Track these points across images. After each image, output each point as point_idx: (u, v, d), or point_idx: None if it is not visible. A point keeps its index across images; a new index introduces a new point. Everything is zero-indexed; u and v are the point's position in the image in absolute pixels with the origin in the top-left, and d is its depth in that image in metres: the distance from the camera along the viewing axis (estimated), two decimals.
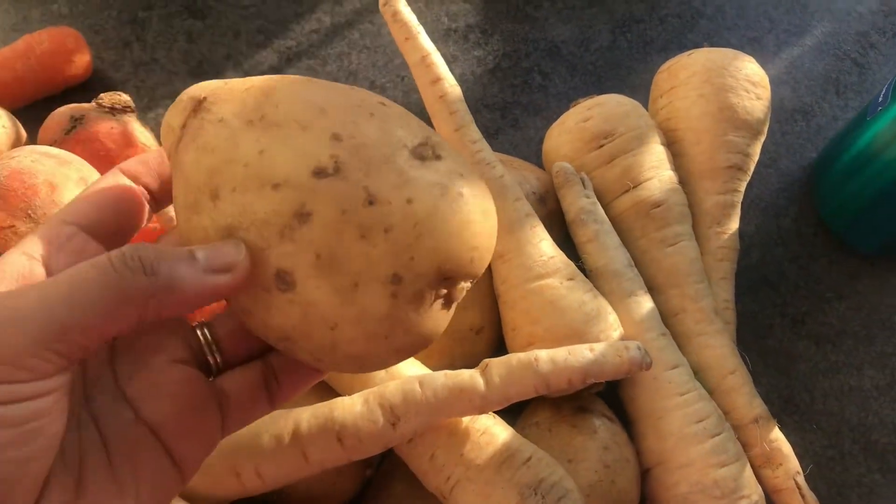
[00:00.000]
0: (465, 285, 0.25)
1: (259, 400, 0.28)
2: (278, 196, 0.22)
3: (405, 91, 0.67)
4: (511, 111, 0.67)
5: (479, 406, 0.40)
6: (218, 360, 0.27)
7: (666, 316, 0.51)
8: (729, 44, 0.70)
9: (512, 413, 0.46)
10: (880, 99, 0.56)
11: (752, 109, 0.55)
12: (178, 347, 0.26)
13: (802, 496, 0.48)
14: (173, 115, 0.26)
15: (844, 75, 0.70)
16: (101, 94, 0.56)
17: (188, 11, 0.70)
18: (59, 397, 0.21)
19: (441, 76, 0.50)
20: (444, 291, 0.24)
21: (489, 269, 0.51)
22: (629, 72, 0.69)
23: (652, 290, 0.52)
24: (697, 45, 0.58)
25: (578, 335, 0.45)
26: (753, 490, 0.45)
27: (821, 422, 0.56)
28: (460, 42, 0.70)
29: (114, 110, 0.56)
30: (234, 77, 0.65)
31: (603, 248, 0.50)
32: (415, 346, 0.25)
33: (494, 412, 0.43)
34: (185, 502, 0.41)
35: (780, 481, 0.48)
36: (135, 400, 0.25)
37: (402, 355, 0.25)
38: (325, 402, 0.41)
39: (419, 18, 0.50)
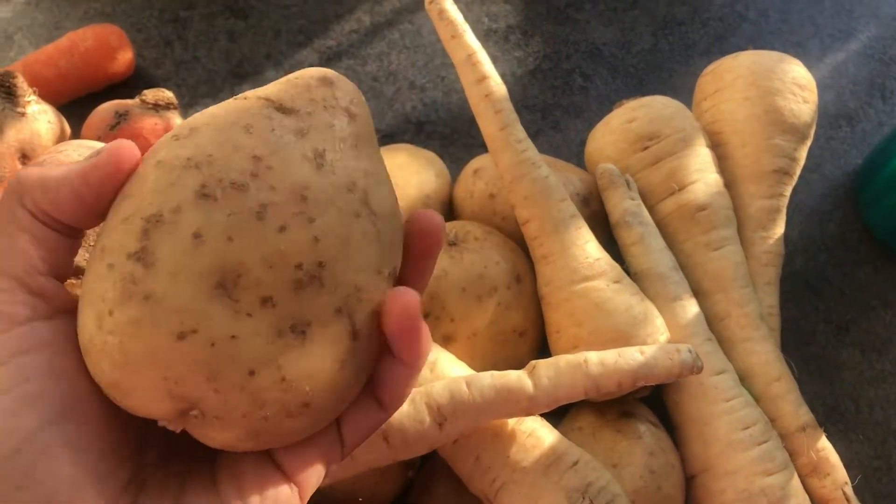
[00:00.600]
0: None
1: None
2: None
3: (445, 91, 0.67)
4: (551, 113, 0.66)
5: (527, 408, 0.40)
6: None
7: (711, 321, 0.50)
8: (772, 48, 0.69)
9: (554, 417, 0.46)
10: None
11: (798, 113, 0.54)
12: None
13: None
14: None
15: (890, 80, 0.69)
16: (145, 91, 0.57)
17: (230, 11, 0.71)
18: None
19: (486, 74, 0.49)
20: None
21: (532, 270, 0.50)
22: (671, 74, 0.69)
23: (697, 294, 0.51)
24: (740, 49, 0.57)
25: (625, 338, 0.44)
26: (801, 499, 0.44)
27: (867, 431, 0.55)
28: (501, 43, 0.70)
29: (157, 106, 0.56)
30: (274, 77, 0.65)
31: (648, 250, 0.50)
32: None
33: (540, 415, 0.43)
34: None
35: (828, 491, 0.47)
36: None
37: None
38: None
39: None
